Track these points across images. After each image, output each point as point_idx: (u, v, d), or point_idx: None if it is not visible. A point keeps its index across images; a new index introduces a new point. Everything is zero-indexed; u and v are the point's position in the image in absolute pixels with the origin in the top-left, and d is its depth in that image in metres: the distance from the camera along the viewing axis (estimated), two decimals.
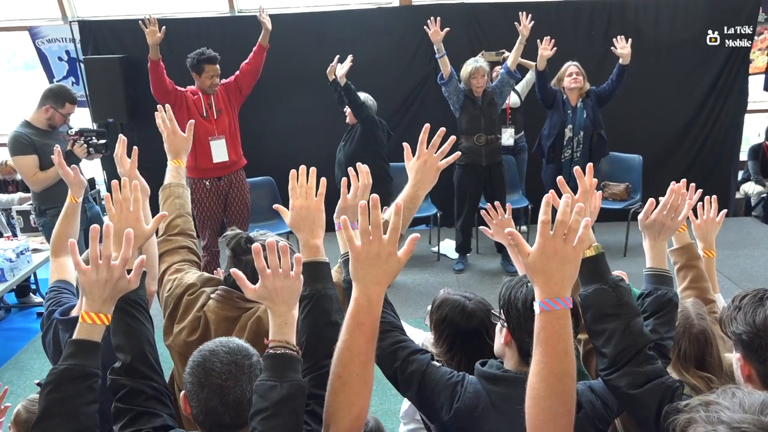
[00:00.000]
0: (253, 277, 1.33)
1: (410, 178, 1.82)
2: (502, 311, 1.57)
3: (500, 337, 1.60)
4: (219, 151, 4.63)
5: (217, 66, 4.62)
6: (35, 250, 4.41)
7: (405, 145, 1.84)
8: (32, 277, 4.94)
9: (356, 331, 1.26)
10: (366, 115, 4.78)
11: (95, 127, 5.50)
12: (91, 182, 5.74)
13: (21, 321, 5.02)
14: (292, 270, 1.33)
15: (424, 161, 1.80)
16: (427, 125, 1.80)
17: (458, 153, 1.90)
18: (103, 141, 4.33)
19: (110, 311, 1.35)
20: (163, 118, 2.14)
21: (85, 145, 4.22)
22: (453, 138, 1.85)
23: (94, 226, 1.32)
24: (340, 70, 4.66)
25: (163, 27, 4.59)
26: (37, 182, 4.13)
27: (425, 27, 4.90)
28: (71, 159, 4.08)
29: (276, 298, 1.32)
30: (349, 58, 4.75)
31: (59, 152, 2.25)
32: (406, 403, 2.28)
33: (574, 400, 1.20)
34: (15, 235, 4.86)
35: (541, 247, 1.19)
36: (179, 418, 1.63)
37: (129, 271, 1.38)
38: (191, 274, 1.97)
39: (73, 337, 1.32)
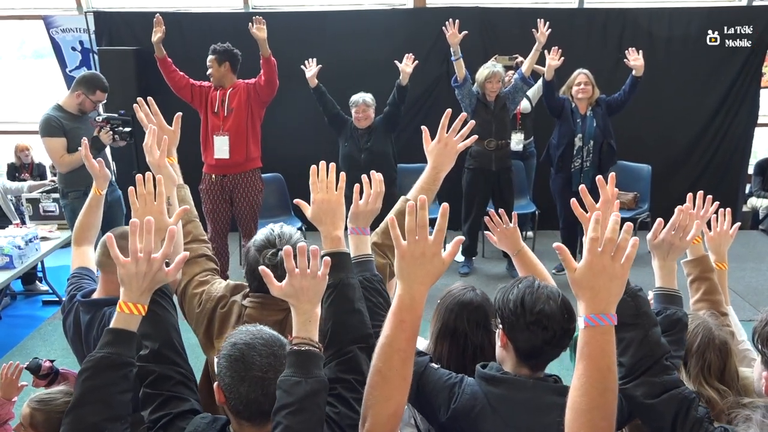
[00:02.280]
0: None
1: (430, 160, 1.87)
2: (497, 315, 1.59)
3: (498, 341, 1.62)
4: (220, 148, 4.65)
5: (212, 56, 4.62)
6: (44, 239, 4.43)
7: (423, 128, 1.89)
8: (39, 265, 4.96)
9: (398, 327, 1.29)
10: (401, 115, 4.89)
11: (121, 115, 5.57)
12: None
13: (27, 308, 5.05)
14: (319, 271, 1.36)
15: (445, 144, 1.85)
16: (448, 110, 1.87)
17: (475, 137, 1.93)
18: (128, 129, 4.45)
19: (147, 302, 1.37)
20: (146, 112, 1.98)
21: (111, 132, 4.38)
22: (472, 122, 1.91)
23: (134, 221, 1.34)
24: (405, 69, 4.70)
25: (162, 27, 4.67)
26: (64, 164, 4.30)
27: (443, 28, 4.90)
28: (97, 144, 4.23)
29: (301, 297, 1.35)
30: (410, 57, 4.77)
31: (86, 145, 2.31)
32: None
33: (614, 415, 1.19)
34: (24, 222, 4.87)
35: (589, 263, 1.19)
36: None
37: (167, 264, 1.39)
38: (217, 285, 1.89)
39: (111, 326, 1.34)
